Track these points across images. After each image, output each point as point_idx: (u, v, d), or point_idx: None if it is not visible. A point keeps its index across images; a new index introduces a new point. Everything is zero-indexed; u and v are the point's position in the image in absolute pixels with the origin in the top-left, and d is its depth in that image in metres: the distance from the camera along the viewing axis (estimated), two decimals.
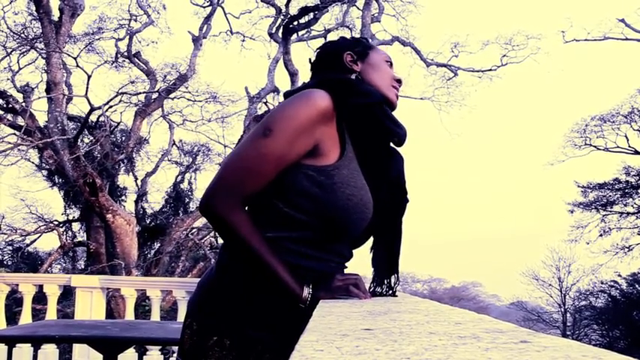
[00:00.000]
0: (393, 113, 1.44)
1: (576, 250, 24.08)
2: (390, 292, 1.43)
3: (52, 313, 5.73)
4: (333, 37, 14.06)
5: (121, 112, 13.00)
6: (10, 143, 10.72)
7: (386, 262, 1.44)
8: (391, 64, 1.53)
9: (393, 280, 1.44)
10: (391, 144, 1.43)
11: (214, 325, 1.30)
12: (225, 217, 1.24)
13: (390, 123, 1.37)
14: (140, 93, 12.90)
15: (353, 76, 1.45)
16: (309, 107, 1.26)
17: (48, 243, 14.55)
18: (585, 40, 16.09)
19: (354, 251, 1.51)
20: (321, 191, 1.27)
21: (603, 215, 19.81)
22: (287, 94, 1.41)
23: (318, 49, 1.58)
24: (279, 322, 1.29)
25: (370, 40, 1.61)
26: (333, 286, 1.29)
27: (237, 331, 1.28)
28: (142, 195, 14.41)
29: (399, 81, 1.51)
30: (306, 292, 1.27)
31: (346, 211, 1.28)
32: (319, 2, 12.66)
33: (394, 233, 1.45)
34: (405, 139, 1.42)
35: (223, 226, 1.26)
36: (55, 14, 11.41)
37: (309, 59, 1.57)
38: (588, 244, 20.11)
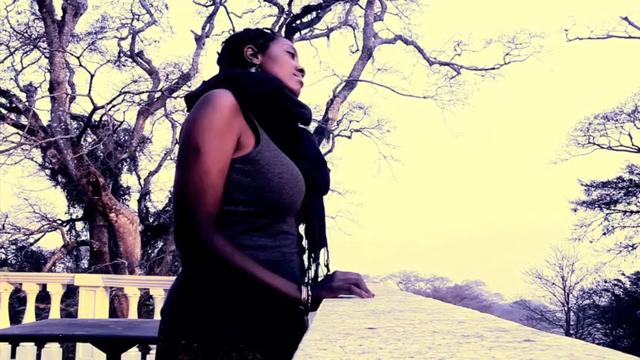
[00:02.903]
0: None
1: (580, 248, 24.10)
2: (325, 266, 1.49)
3: (55, 312, 5.74)
4: (335, 36, 14.07)
5: (124, 112, 12.99)
6: (13, 142, 10.75)
7: (318, 235, 1.48)
8: (293, 55, 1.56)
9: (324, 253, 1.49)
10: (300, 124, 1.50)
11: (183, 328, 1.31)
12: (209, 245, 1.25)
13: (294, 105, 1.43)
14: (143, 92, 12.90)
15: (253, 69, 1.49)
16: (219, 109, 1.29)
17: (51, 242, 14.61)
18: (588, 38, 16.05)
19: None
20: (252, 179, 1.31)
21: (607, 214, 19.77)
22: (188, 97, 1.44)
23: (222, 42, 1.61)
24: (246, 321, 1.29)
25: (276, 31, 1.63)
26: (334, 286, 1.29)
27: (203, 332, 1.29)
28: (145, 194, 14.41)
29: (301, 70, 1.55)
30: (305, 293, 1.28)
31: (282, 189, 1.33)
32: (322, 1, 12.65)
33: (322, 206, 1.51)
34: (311, 117, 1.50)
35: (209, 255, 1.26)
36: (58, 14, 11.43)
37: (217, 52, 1.60)
38: (592, 242, 20.09)
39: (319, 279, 1.45)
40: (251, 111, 1.36)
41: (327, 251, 1.50)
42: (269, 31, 1.58)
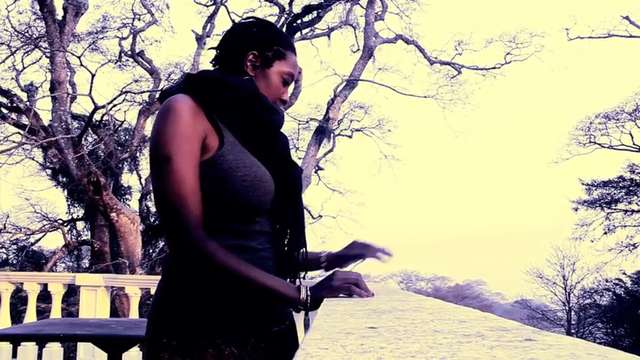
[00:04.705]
0: None
1: (581, 248, 24.07)
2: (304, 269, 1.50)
3: (56, 311, 5.74)
4: (336, 35, 14.06)
5: (124, 111, 13.01)
6: (14, 142, 10.74)
7: (295, 237, 1.47)
8: (287, 83, 1.48)
9: (303, 252, 1.49)
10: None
11: (163, 327, 1.34)
12: (203, 251, 1.25)
13: (265, 111, 1.40)
14: (144, 92, 12.92)
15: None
16: (179, 115, 1.28)
17: (52, 242, 14.61)
18: (589, 37, 16.06)
19: None
20: (215, 184, 1.30)
21: (608, 213, 19.76)
22: (163, 95, 1.41)
23: (232, 27, 1.53)
24: (222, 317, 1.32)
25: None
26: (334, 285, 1.30)
27: (181, 330, 1.32)
28: (146, 194, 14.41)
29: (284, 101, 1.50)
30: (304, 293, 1.29)
31: (245, 191, 1.32)
32: (323, 0, 12.65)
33: (297, 207, 1.48)
34: (282, 122, 1.47)
35: (205, 261, 1.26)
36: (59, 13, 11.43)
37: (224, 33, 1.53)
38: (593, 242, 20.09)
39: (297, 281, 1.47)
40: (216, 113, 1.34)
41: (306, 252, 1.50)
42: (282, 40, 1.48)
